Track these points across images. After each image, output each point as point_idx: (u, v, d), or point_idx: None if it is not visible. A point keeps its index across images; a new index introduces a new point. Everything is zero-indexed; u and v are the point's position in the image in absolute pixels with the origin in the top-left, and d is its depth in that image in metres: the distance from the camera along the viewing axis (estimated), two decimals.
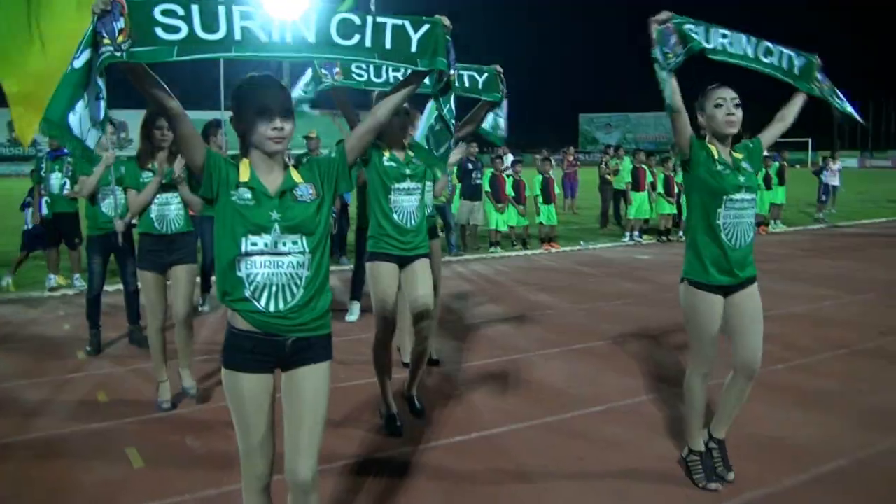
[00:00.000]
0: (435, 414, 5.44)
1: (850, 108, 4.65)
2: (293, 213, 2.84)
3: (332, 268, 12.01)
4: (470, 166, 14.08)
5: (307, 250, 2.86)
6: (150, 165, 5.51)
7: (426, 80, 4.19)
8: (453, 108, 4.18)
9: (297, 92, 4.82)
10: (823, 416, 5.35)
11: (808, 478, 4.40)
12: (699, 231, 4.09)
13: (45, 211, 10.09)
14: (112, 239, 6.90)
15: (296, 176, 2.91)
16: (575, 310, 9.12)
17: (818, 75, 4.50)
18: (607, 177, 17.22)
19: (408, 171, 4.98)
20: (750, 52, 4.24)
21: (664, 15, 3.82)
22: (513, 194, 14.50)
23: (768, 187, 16.92)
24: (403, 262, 5.06)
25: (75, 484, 4.46)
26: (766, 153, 18.27)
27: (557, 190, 15.30)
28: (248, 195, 2.81)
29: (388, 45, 3.16)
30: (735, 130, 4.06)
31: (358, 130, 3.11)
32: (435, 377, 6.35)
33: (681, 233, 15.76)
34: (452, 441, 5.01)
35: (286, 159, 2.96)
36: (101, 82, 2.66)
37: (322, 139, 12.03)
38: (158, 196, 5.48)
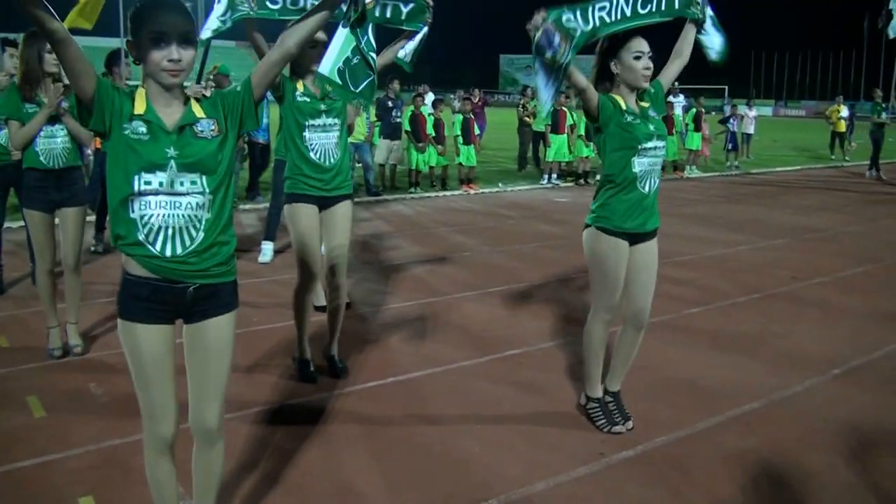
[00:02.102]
0: (350, 359, 5.33)
1: (716, 45, 4.49)
2: (192, 150, 2.60)
3: (248, 206, 11.80)
4: (390, 104, 13.81)
5: (207, 190, 2.63)
6: (34, 95, 5.13)
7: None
8: (372, 40, 3.96)
9: (213, 22, 4.46)
10: (738, 359, 5.44)
11: (721, 419, 4.47)
12: (614, 181, 4.03)
13: None
14: (9, 171, 6.50)
15: (197, 110, 2.66)
16: (493, 252, 9.10)
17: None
18: (526, 119, 17.12)
19: (323, 107, 4.71)
20: (628, 11, 4.10)
21: (538, 18, 3.69)
22: (433, 134, 14.31)
23: (670, 132, 16.98)
24: (324, 203, 4.84)
25: None
26: (682, 101, 18.54)
27: (476, 131, 15.17)
28: (143, 129, 2.56)
29: None
30: (648, 84, 4.02)
31: (264, 63, 2.85)
32: (350, 321, 6.21)
33: (598, 176, 15.82)
34: (367, 386, 4.92)
35: (186, 91, 2.69)
36: None
37: (237, 72, 11.59)
38: (44, 128, 5.09)
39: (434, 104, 15.01)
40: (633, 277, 4.16)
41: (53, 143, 5.14)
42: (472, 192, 14.32)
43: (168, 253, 2.61)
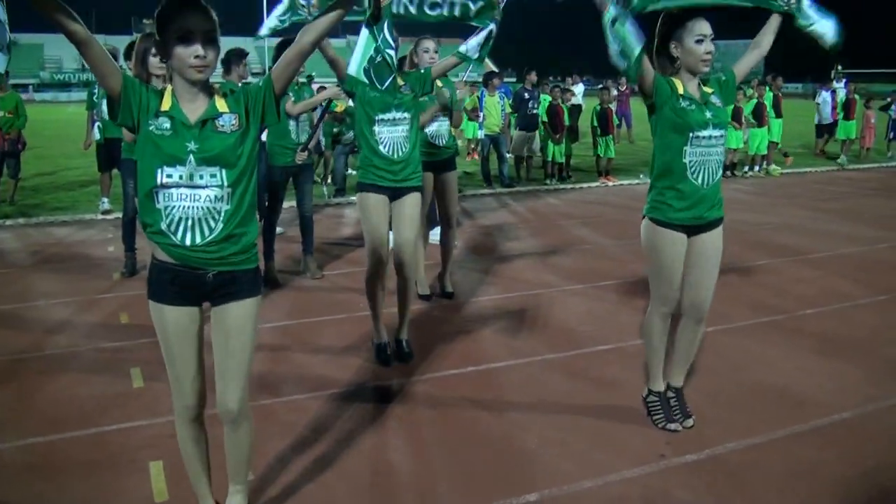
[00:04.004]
0: (437, 347, 5.42)
1: (828, 31, 4.10)
2: (211, 145, 2.73)
3: None
4: (526, 95, 13.76)
5: (226, 183, 2.76)
6: None
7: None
8: (388, 38, 4.02)
9: (272, 21, 4.58)
10: (839, 366, 5.11)
11: (803, 428, 4.22)
12: (665, 169, 3.90)
13: (97, 136, 10.28)
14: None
15: (221, 105, 2.79)
16: (614, 245, 8.93)
17: None
18: None
19: (394, 101, 4.81)
20: None
21: None
22: (570, 124, 14.15)
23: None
24: (394, 194, 4.98)
25: (71, 398, 4.63)
26: (843, 87, 17.36)
27: (616, 121, 14.87)
28: (167, 125, 2.72)
29: None
30: (709, 69, 3.84)
31: (283, 59, 2.95)
32: (447, 309, 6.33)
33: (746, 167, 15.23)
34: (446, 374, 4.99)
35: (213, 87, 2.84)
36: None
37: None
38: None
39: (563, 92, 14.81)
40: (691, 269, 4.00)
41: None
42: (610, 184, 14.06)
43: (188, 242, 2.77)
